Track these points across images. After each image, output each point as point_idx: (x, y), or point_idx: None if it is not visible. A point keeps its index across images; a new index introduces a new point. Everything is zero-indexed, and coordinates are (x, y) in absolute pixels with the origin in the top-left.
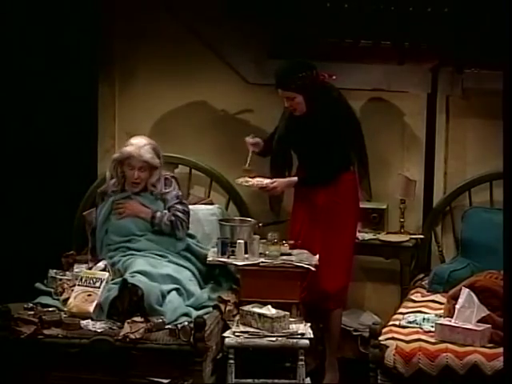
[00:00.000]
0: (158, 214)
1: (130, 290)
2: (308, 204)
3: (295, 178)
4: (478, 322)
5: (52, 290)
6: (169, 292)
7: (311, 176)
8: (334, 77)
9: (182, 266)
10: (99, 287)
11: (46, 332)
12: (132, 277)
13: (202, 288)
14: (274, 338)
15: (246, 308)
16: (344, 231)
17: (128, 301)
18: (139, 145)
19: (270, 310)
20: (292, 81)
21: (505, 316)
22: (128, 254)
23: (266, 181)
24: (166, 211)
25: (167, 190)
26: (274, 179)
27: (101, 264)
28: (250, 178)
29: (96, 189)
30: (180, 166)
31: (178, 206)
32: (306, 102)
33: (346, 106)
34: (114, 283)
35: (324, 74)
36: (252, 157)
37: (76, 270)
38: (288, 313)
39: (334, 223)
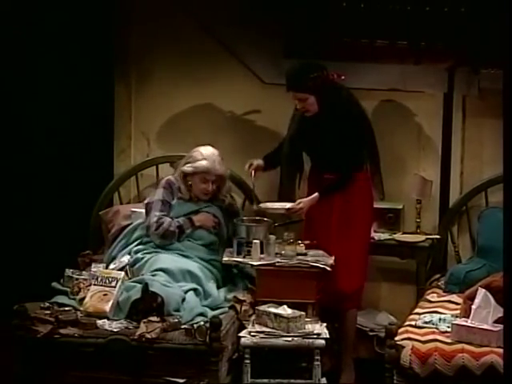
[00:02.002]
0: None
1: (150, 296)
2: (323, 204)
3: (317, 195)
4: (495, 322)
5: (68, 290)
6: (186, 292)
7: (329, 186)
8: (343, 77)
9: (205, 267)
10: (115, 287)
11: (62, 331)
12: (153, 275)
13: (219, 289)
14: (289, 338)
15: (262, 308)
16: (359, 231)
17: (148, 305)
18: (213, 158)
19: (285, 310)
20: (304, 82)
21: (505, 316)
22: (154, 252)
23: (290, 204)
24: None
25: (232, 202)
26: (299, 200)
27: (124, 258)
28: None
29: (112, 189)
30: None
31: None
32: (317, 102)
33: (356, 105)
34: (132, 281)
35: (333, 73)
36: (255, 184)
37: (93, 270)
38: (304, 313)
39: (349, 223)
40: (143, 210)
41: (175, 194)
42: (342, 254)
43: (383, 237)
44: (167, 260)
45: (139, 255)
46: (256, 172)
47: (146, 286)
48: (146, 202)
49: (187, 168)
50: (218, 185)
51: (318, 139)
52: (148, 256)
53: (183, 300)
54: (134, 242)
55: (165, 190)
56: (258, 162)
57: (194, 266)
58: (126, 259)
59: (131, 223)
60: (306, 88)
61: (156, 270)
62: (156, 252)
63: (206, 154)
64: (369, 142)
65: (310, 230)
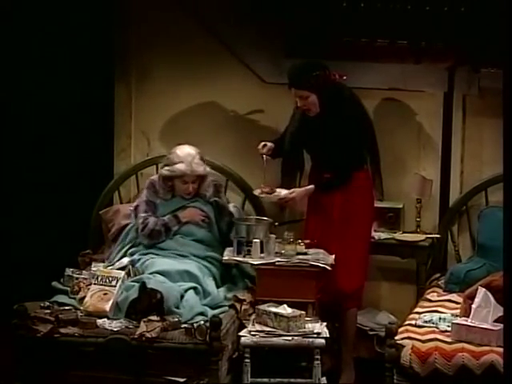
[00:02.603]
0: None
1: (149, 294)
2: (323, 203)
3: (312, 186)
4: (495, 321)
5: (68, 289)
6: (186, 291)
7: (328, 182)
8: (345, 77)
9: (202, 265)
10: (115, 286)
11: (62, 331)
12: (153, 277)
13: (218, 287)
14: (289, 338)
15: (262, 307)
16: (359, 230)
17: (147, 303)
18: (189, 159)
19: (285, 309)
20: (306, 79)
21: (505, 315)
22: (149, 253)
23: (284, 192)
24: None
25: (222, 199)
26: (292, 190)
27: (124, 260)
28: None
29: (112, 188)
30: None
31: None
32: (319, 101)
33: (358, 105)
34: (132, 281)
35: (335, 73)
36: (267, 168)
37: (93, 269)
38: (304, 312)
39: (349, 222)
40: None
41: (158, 193)
42: (343, 254)
43: (383, 236)
44: (164, 263)
45: (135, 257)
46: (267, 154)
47: (143, 285)
48: (134, 205)
49: (165, 172)
50: (199, 183)
51: (319, 138)
52: (144, 258)
53: (182, 297)
54: (127, 244)
55: (148, 190)
56: (271, 144)
57: (191, 265)
58: (125, 260)
59: (131, 222)
60: (308, 86)
61: (153, 273)
62: (150, 253)
63: (182, 156)
64: (369, 142)
65: (310, 229)
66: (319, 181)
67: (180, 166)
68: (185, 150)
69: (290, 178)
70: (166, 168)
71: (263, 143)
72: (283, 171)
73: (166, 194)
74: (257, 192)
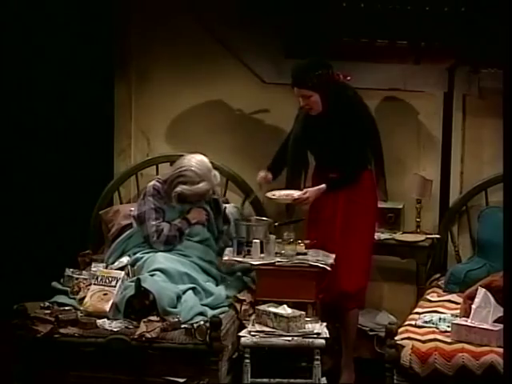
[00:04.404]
0: None
1: (142, 294)
2: (326, 203)
3: (323, 186)
4: (495, 322)
5: (68, 289)
6: (185, 291)
7: (334, 181)
8: (349, 77)
9: (203, 268)
10: (115, 286)
11: (62, 331)
12: (151, 275)
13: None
14: (289, 338)
15: (262, 307)
16: (363, 231)
17: (142, 303)
18: (208, 175)
19: (285, 310)
20: (309, 79)
21: (505, 315)
22: (152, 251)
23: (297, 193)
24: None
25: (220, 199)
26: (305, 190)
27: (124, 259)
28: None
29: (112, 189)
30: None
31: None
32: (321, 100)
33: (361, 105)
34: (131, 281)
35: (339, 74)
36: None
37: (93, 269)
38: (304, 312)
39: (353, 223)
40: None
41: (164, 199)
42: (346, 254)
43: (383, 236)
44: (165, 260)
45: (138, 255)
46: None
47: (138, 282)
48: (134, 213)
49: (186, 191)
50: None
51: (323, 138)
52: (146, 256)
53: (179, 298)
54: (130, 249)
55: (154, 197)
56: (271, 176)
57: (191, 268)
58: (125, 260)
59: (131, 223)
60: (310, 85)
61: (154, 270)
62: (153, 251)
63: (202, 174)
64: (373, 142)
65: (313, 228)
66: (325, 181)
67: (204, 186)
68: (201, 164)
69: (294, 178)
70: (187, 188)
71: (264, 173)
72: (288, 172)
73: (176, 202)
74: (270, 194)
